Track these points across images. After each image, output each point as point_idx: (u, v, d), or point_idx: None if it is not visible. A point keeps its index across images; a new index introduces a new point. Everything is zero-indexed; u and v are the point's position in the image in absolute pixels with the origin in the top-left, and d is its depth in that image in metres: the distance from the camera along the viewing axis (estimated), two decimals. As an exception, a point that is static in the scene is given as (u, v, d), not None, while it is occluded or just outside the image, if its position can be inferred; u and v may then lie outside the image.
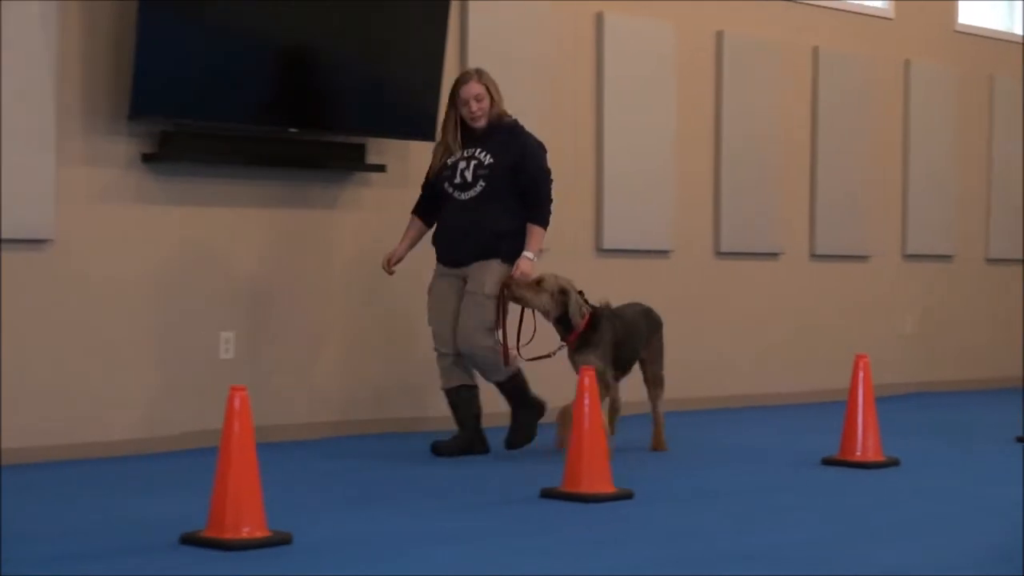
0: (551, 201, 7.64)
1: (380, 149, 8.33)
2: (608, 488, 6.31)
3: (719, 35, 10.21)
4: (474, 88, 7.49)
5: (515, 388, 7.65)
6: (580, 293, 7.53)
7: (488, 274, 7.48)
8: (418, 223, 7.80)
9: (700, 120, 10.16)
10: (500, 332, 7.50)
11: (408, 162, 8.49)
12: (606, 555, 5.22)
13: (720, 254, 10.28)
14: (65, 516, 5.76)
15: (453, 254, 7.59)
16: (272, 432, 7.68)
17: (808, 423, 9.54)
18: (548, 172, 7.67)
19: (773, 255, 10.62)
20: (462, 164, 7.53)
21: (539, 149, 7.68)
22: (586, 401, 6.31)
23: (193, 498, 5.70)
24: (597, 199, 9.51)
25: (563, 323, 7.50)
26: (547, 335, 7.60)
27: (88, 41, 7.25)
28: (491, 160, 7.50)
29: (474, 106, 7.48)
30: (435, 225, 7.70)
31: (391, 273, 7.78)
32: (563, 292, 7.45)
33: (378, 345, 8.44)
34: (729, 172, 10.26)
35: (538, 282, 7.44)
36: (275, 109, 7.78)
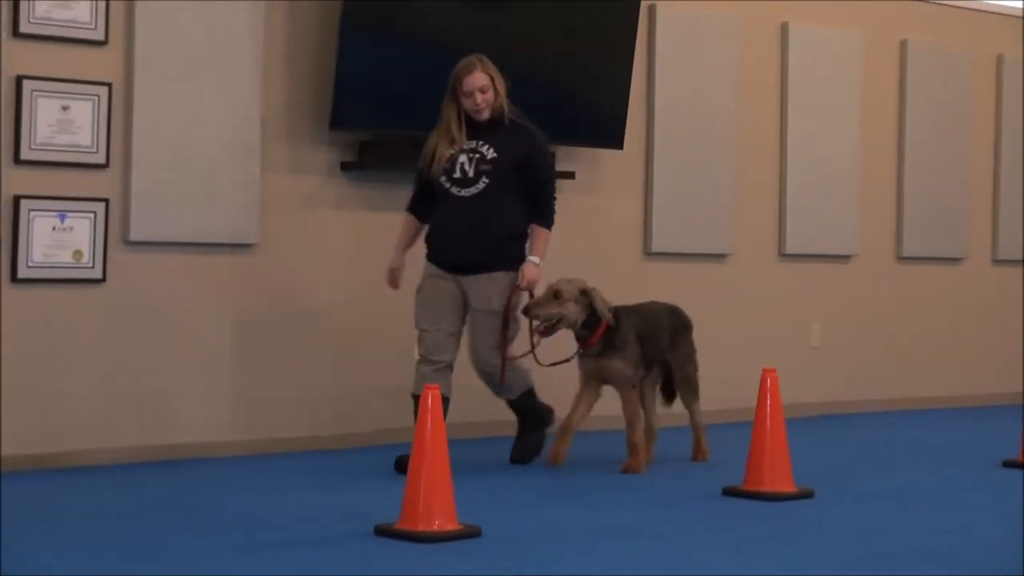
0: (555, 200, 6.94)
1: (570, 157, 8.18)
2: (789, 487, 6.11)
3: (903, 44, 9.93)
4: (479, 79, 6.67)
5: (526, 405, 6.98)
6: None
7: (493, 289, 6.71)
8: (414, 222, 6.97)
9: (883, 129, 9.89)
10: (500, 349, 6.74)
11: (599, 169, 8.40)
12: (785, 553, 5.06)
13: (901, 259, 9.99)
14: (267, 506, 5.79)
15: (454, 258, 6.75)
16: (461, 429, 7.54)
17: (977, 425, 9.21)
18: (554, 170, 7.08)
19: (955, 260, 10.30)
20: (462, 158, 6.72)
21: (546, 144, 6.95)
22: (768, 403, 6.14)
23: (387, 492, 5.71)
24: (781, 205, 9.29)
25: (588, 326, 6.73)
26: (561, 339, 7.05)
27: (291, 57, 7.28)
28: (494, 155, 6.72)
29: (478, 98, 6.67)
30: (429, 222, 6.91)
31: (396, 287, 6.95)
32: (584, 293, 6.69)
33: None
34: (912, 180, 9.96)
35: (556, 294, 6.67)
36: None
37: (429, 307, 6.73)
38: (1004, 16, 10.45)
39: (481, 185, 6.68)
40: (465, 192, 6.70)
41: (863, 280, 9.74)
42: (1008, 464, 7.19)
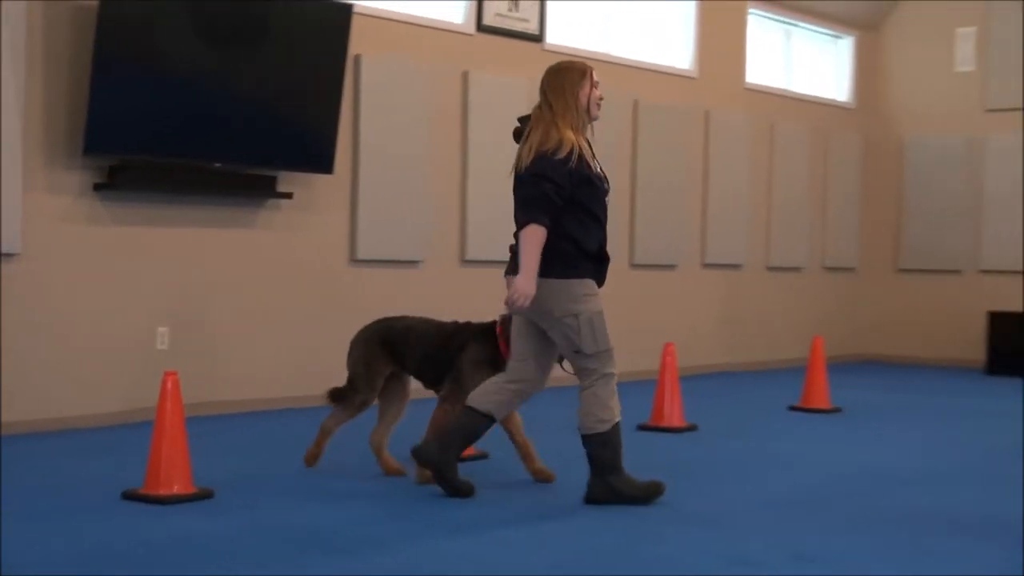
0: None
1: (289, 180, 8.34)
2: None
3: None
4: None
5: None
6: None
7: None
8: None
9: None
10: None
11: (313, 190, 8.52)
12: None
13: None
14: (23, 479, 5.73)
15: (605, 275, 5.41)
16: (202, 408, 7.74)
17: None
18: None
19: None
20: (600, 169, 5.32)
21: None
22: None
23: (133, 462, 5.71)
24: (463, 220, 9.56)
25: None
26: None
27: (49, 87, 7.19)
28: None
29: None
30: (579, 239, 5.22)
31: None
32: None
33: (290, 335, 8.49)
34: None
35: None
36: (203, 147, 7.72)
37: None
38: (637, 69, 11.10)
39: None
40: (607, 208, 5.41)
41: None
42: (641, 428, 7.52)
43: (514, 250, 5.31)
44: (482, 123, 9.61)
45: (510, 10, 9.81)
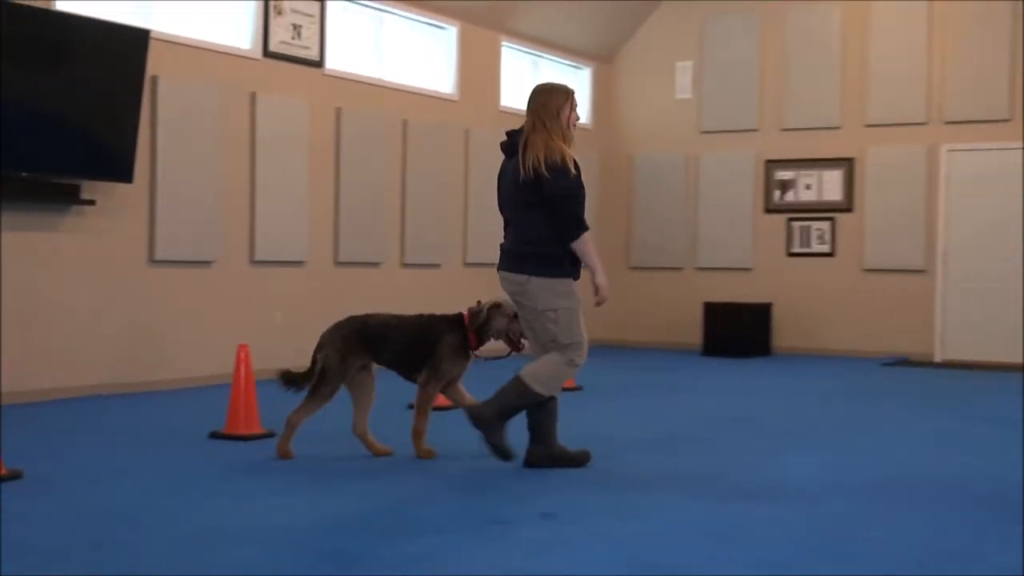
0: None
1: (92, 188, 8.16)
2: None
3: (338, 111, 10.32)
4: None
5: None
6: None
7: None
8: None
9: (322, 173, 10.26)
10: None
11: (114, 197, 8.34)
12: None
13: (338, 263, 10.44)
14: None
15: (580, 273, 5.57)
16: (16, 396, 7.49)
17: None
18: None
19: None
20: None
21: None
22: (242, 370, 6.35)
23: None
24: (252, 223, 9.49)
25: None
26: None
27: None
28: None
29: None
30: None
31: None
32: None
33: (94, 329, 8.29)
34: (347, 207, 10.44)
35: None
36: (11, 157, 7.47)
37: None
38: (408, 92, 11.20)
39: None
40: None
41: (311, 279, 10.07)
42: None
43: (504, 248, 5.59)
44: (268, 139, 9.58)
45: (293, 37, 9.80)
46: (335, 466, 5.61)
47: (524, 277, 5.40)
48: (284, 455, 5.72)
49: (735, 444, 6.48)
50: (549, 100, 5.46)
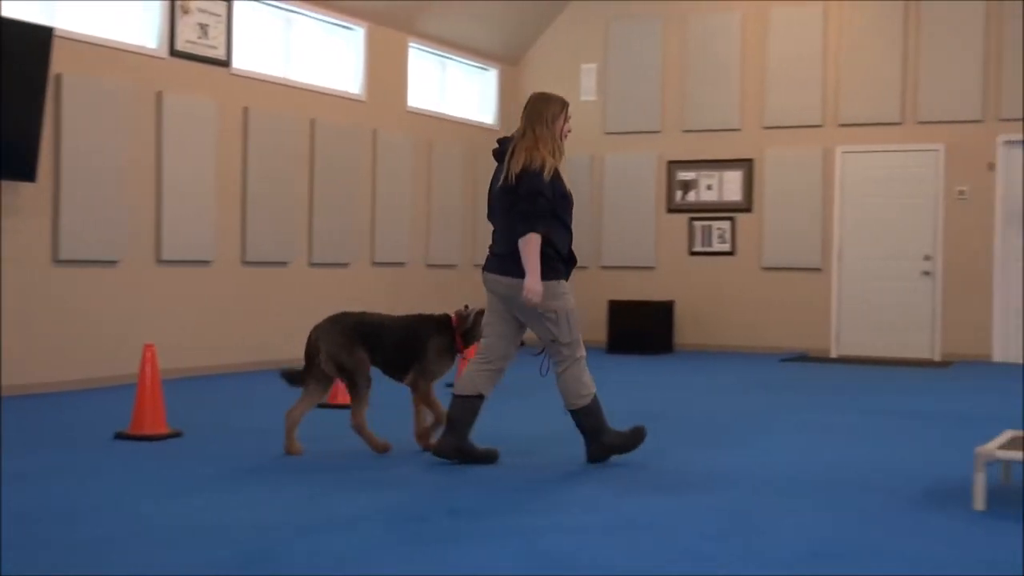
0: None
1: (-7, 187, 8.04)
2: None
3: (245, 111, 10.28)
4: None
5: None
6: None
7: None
8: None
9: (231, 167, 10.22)
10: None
11: (19, 196, 8.21)
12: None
13: (246, 263, 10.40)
14: None
15: (571, 273, 5.76)
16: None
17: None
18: None
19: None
20: (568, 187, 5.68)
21: None
22: (147, 371, 6.30)
23: None
24: (158, 222, 9.41)
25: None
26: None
27: None
28: None
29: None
30: (557, 245, 5.55)
31: None
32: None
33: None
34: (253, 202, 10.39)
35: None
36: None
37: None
38: (317, 92, 11.18)
39: None
40: None
41: (217, 278, 9.99)
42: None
43: (493, 250, 5.57)
44: (175, 138, 9.50)
45: (200, 37, 9.72)
46: (247, 463, 5.59)
47: (517, 281, 5.46)
48: (293, 452, 5.78)
49: (640, 439, 6.57)
50: (545, 109, 5.55)
